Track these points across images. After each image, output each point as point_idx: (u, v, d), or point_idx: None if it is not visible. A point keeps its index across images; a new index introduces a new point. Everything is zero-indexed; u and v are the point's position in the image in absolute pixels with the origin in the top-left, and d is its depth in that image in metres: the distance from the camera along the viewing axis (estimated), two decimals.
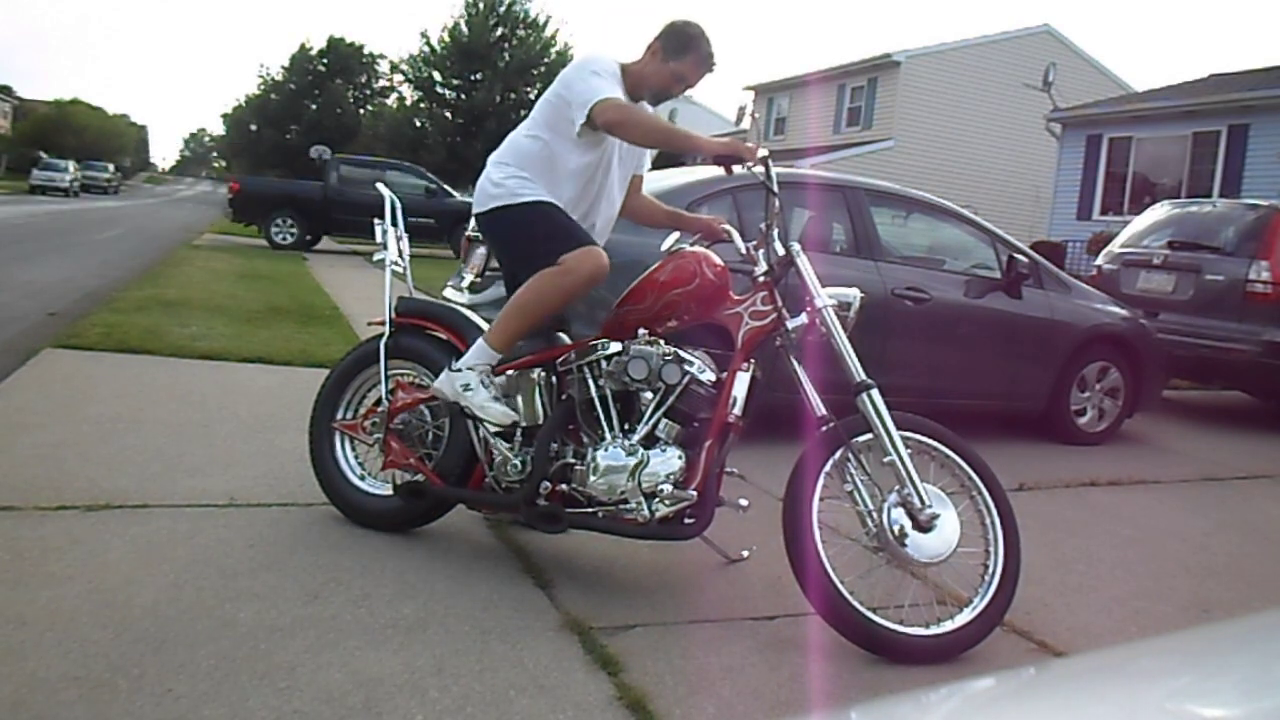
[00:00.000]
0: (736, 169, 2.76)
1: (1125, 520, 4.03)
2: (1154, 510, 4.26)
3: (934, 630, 2.49)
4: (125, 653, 2.11)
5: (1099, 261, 7.64)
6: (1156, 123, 15.75)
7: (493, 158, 2.99)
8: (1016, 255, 5.21)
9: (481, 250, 5.00)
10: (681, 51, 2.89)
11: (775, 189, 2.75)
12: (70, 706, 1.89)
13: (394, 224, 3.25)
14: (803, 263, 2.69)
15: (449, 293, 4.96)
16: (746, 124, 2.71)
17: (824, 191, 5.12)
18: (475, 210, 2.98)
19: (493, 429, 2.79)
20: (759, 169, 2.75)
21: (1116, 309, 5.71)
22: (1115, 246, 7.54)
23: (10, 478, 3.14)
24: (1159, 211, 7.61)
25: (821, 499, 2.60)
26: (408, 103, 37.26)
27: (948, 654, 2.47)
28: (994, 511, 2.60)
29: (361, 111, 53.48)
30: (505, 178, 2.90)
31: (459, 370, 2.80)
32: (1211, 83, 16.76)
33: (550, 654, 2.30)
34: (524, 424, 2.81)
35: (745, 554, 3.00)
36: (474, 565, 2.83)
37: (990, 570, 2.56)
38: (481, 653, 2.27)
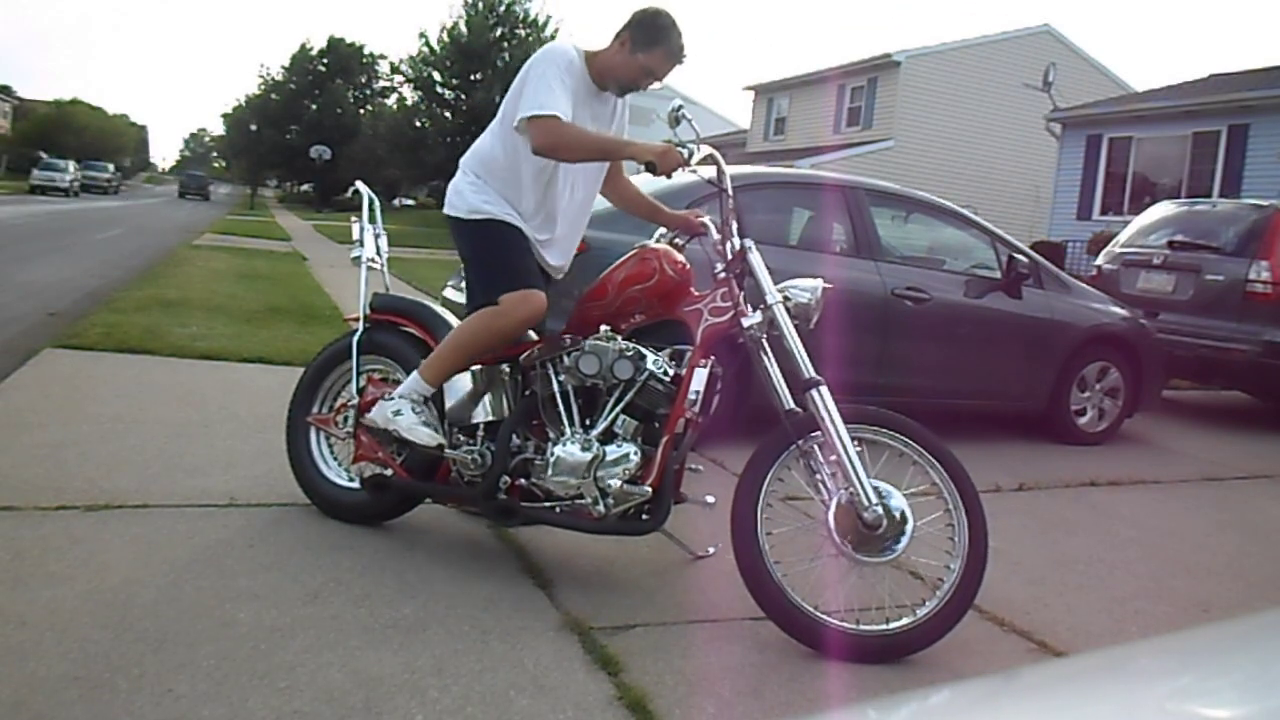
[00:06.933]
0: (682, 174, 2.72)
1: (1125, 520, 4.03)
2: (1154, 510, 4.26)
3: (889, 626, 2.45)
4: (125, 653, 2.11)
5: (1099, 261, 7.64)
6: (1156, 123, 15.75)
7: (462, 160, 3.00)
8: (1016, 255, 5.21)
9: None
10: (651, 44, 2.83)
11: (727, 187, 2.76)
12: (70, 706, 1.89)
13: (371, 221, 3.29)
14: (754, 259, 2.68)
15: (449, 293, 4.97)
16: (684, 130, 2.68)
17: (824, 192, 5.12)
18: (444, 211, 3.01)
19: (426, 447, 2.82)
20: (709, 169, 2.76)
21: (1116, 309, 5.71)
22: (1115, 246, 7.54)
23: (10, 478, 3.14)
24: (1159, 211, 7.60)
25: (789, 498, 2.59)
26: (408, 103, 37.28)
27: (901, 651, 2.44)
28: (960, 506, 2.53)
29: (361, 112, 53.54)
30: (466, 184, 2.93)
31: (391, 399, 2.86)
32: (1211, 83, 16.76)
33: (550, 654, 2.30)
34: (490, 418, 2.86)
35: (711, 550, 3.02)
36: (474, 565, 2.83)
37: (953, 568, 2.50)
38: (481, 653, 2.27)
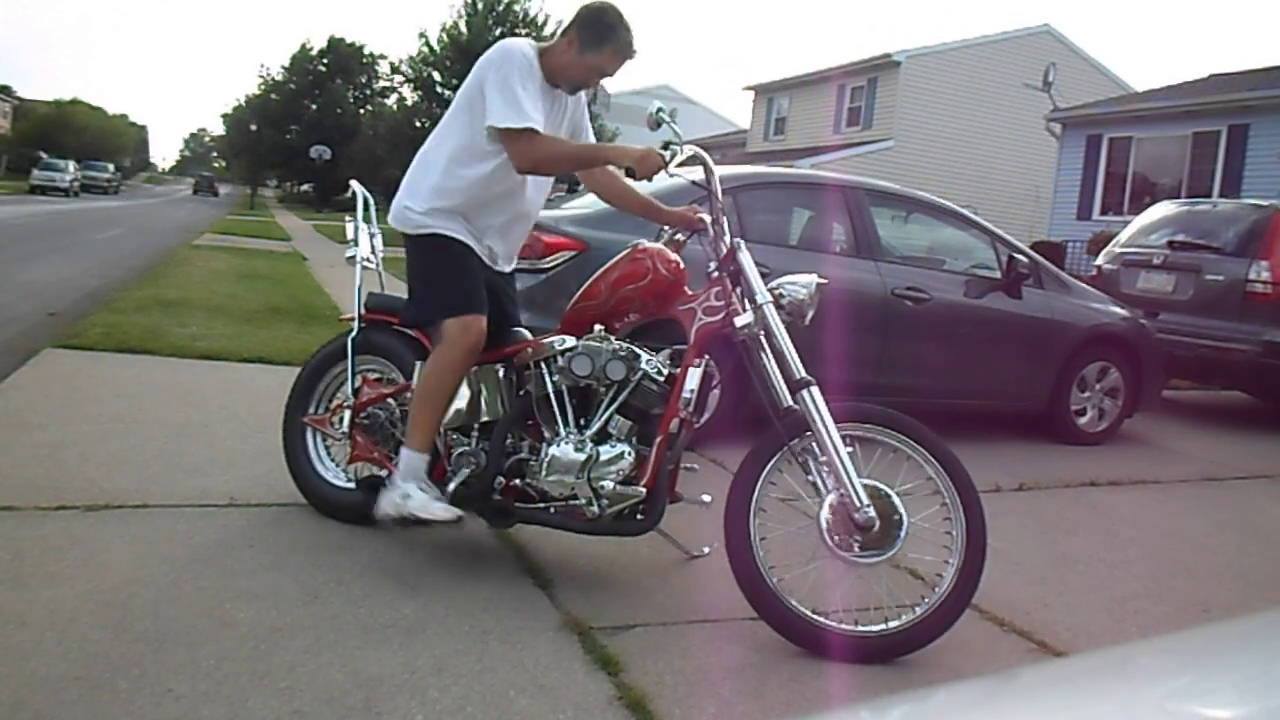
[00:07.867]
0: (668, 174, 2.69)
1: (1125, 520, 4.03)
2: (1154, 510, 4.26)
3: (887, 626, 2.45)
4: (125, 653, 2.11)
5: (1099, 261, 7.64)
6: (1156, 123, 15.74)
7: (410, 178, 2.92)
8: (1016, 255, 5.22)
9: None
10: (598, 44, 2.74)
11: (715, 188, 2.75)
12: (70, 706, 1.89)
13: (366, 221, 3.29)
14: (744, 259, 2.67)
15: None
16: (665, 132, 2.66)
17: (824, 192, 5.13)
18: (393, 225, 2.96)
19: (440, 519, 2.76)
20: (696, 170, 2.75)
21: (1116, 309, 5.71)
22: (1115, 246, 7.54)
23: (10, 478, 3.14)
24: (1159, 211, 7.60)
25: (785, 499, 2.59)
26: (408, 103, 37.28)
27: (900, 650, 2.44)
28: (958, 503, 2.51)
29: (361, 112, 53.50)
30: (415, 194, 2.86)
31: (395, 485, 2.77)
32: (1211, 83, 16.75)
33: (550, 654, 2.30)
34: (485, 418, 2.85)
35: (707, 550, 3.02)
36: (474, 565, 2.83)
37: (951, 565, 2.49)
38: (481, 653, 2.27)
